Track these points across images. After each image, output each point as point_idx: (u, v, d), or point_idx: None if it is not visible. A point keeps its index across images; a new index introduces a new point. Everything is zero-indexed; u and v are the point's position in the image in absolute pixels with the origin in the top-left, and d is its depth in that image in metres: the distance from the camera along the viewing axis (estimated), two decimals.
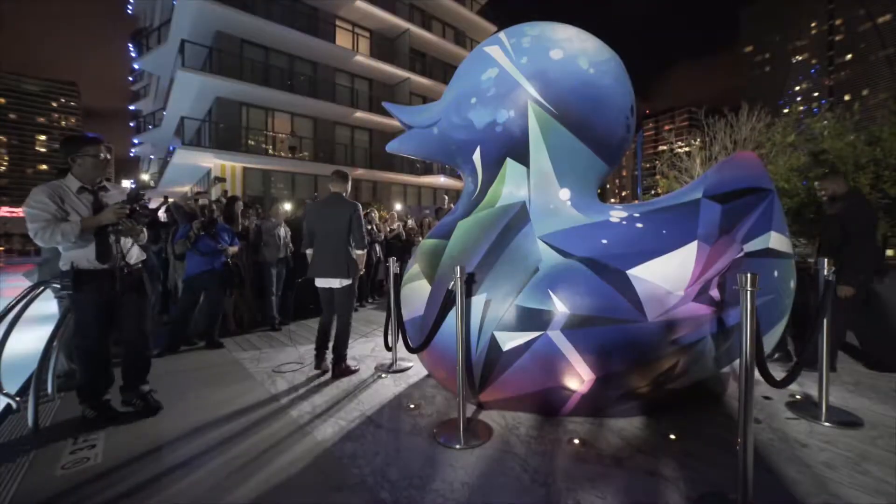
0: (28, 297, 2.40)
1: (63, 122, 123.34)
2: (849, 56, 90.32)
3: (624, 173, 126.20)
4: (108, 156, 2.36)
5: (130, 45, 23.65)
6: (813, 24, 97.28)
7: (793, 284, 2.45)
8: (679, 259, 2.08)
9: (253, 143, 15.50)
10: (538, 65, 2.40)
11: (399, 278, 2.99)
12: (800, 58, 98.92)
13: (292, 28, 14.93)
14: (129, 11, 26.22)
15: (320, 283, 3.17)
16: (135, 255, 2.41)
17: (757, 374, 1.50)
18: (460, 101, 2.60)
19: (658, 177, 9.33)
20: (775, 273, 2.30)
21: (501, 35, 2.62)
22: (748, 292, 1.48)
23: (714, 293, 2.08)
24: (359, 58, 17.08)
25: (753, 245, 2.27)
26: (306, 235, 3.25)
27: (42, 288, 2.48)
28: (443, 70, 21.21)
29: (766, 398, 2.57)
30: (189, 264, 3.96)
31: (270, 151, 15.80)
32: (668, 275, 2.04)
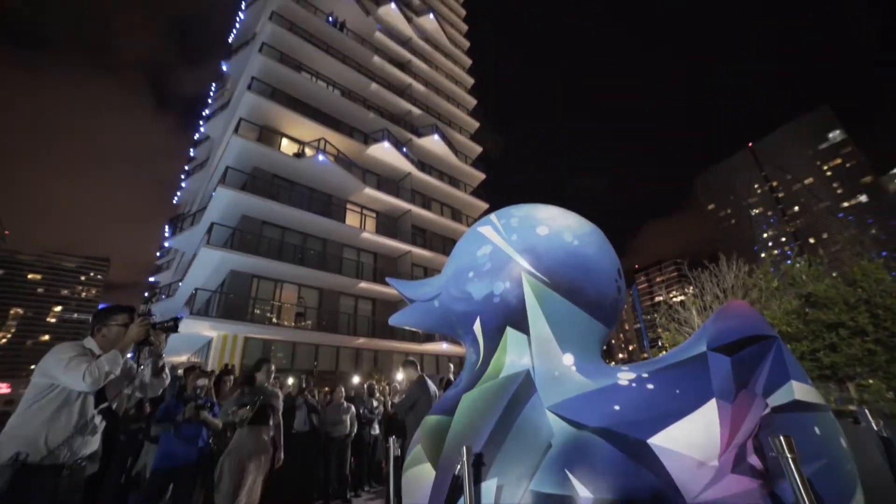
0: None
1: (84, 294, 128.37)
2: (796, 208, 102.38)
3: (626, 327, 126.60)
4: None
5: (167, 226, 26.71)
6: (756, 186, 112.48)
7: (845, 443, 2.13)
8: (701, 421, 1.92)
9: (258, 311, 15.96)
10: (527, 241, 2.68)
11: (400, 461, 2.69)
12: (756, 211, 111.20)
13: (309, 211, 17.08)
14: (175, 201, 30.45)
15: None
16: (96, 441, 2.09)
17: None
18: (459, 276, 2.82)
19: (660, 330, 9.40)
20: (816, 430, 2.04)
21: (492, 217, 3.00)
22: (789, 459, 1.32)
23: (753, 461, 1.84)
24: (365, 234, 19.05)
25: (777, 398, 2.09)
26: (407, 407, 4.14)
27: None
28: (442, 243, 23.45)
29: None
30: (163, 449, 3.50)
31: (274, 320, 16.12)
32: (694, 441, 1.86)
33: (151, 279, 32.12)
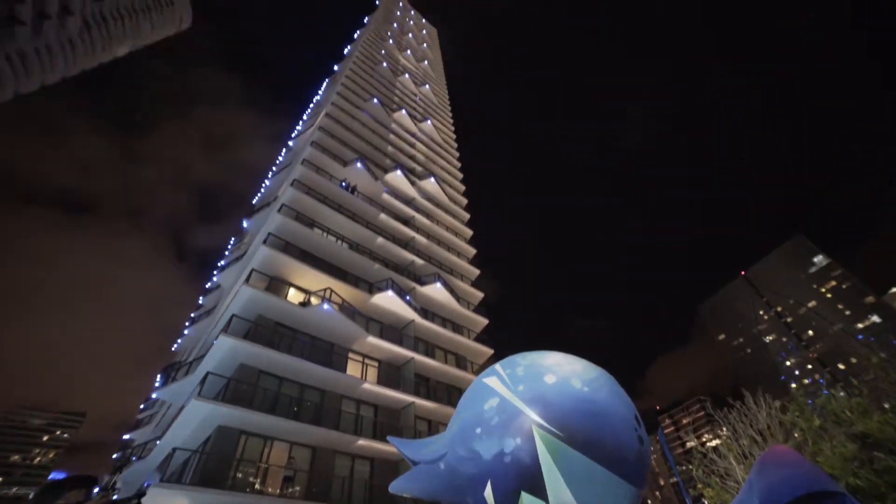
0: None
1: (37, 459, 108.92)
2: (810, 332, 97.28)
3: (661, 482, 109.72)
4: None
5: (159, 375, 25.56)
6: (762, 312, 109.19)
7: None
8: None
9: (241, 475, 14.14)
10: (535, 390, 2.59)
11: None
12: (770, 338, 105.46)
13: (309, 361, 16.62)
14: (174, 349, 29.86)
15: None
16: None
17: None
18: (465, 433, 2.63)
19: (700, 486, 8.27)
20: None
21: (497, 367, 2.95)
22: None
23: None
24: (366, 385, 18.20)
25: None
26: None
27: None
28: (447, 392, 22.28)
29: None
30: None
31: (257, 486, 14.19)
32: None
33: (126, 436, 29.32)
